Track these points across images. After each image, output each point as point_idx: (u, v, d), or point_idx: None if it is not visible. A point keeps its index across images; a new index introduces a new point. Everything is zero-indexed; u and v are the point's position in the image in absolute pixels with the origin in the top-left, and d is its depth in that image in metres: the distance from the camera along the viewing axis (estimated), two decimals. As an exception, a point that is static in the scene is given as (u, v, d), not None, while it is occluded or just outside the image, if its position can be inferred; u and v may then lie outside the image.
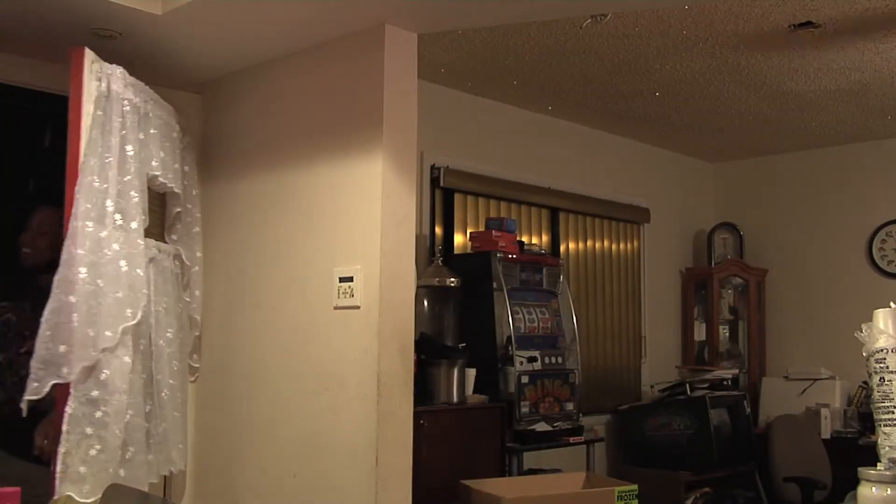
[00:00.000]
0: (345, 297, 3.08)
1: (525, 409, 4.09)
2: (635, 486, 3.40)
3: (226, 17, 3.02)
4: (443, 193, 4.61)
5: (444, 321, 4.18)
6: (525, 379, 4.11)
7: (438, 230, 4.57)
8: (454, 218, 4.64)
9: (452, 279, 4.09)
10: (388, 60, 3.06)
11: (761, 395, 5.77)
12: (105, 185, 2.83)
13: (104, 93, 2.92)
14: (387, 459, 2.94)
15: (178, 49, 3.33)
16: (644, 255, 5.84)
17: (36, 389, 2.58)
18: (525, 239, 4.84)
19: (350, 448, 3.01)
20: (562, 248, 5.25)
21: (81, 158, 2.82)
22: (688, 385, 5.13)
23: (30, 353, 2.59)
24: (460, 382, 3.83)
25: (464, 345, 3.99)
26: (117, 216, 2.85)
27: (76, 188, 2.77)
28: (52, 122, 3.67)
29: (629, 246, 5.78)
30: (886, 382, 2.07)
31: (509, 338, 4.15)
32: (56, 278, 2.66)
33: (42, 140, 3.71)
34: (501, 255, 4.24)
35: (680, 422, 4.91)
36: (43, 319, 2.62)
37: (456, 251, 4.57)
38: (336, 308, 3.12)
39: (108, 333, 2.76)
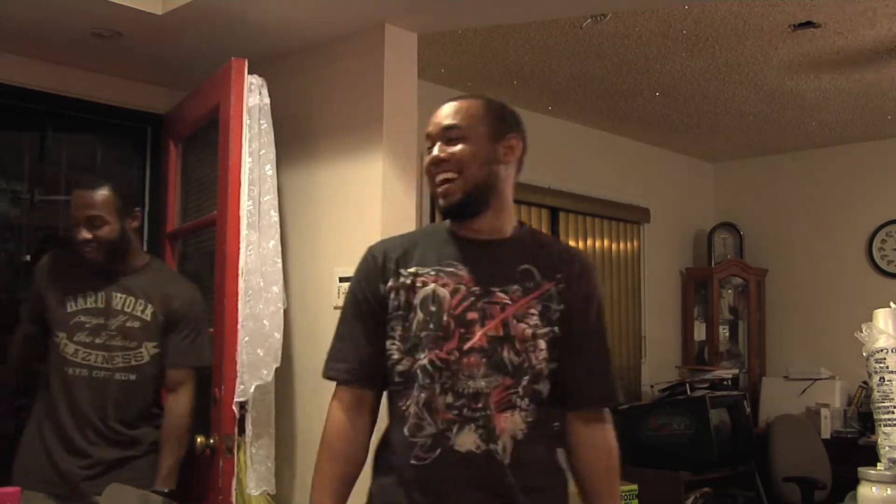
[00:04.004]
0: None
1: (525, 409, 4.07)
2: (635, 486, 3.40)
3: (225, 18, 3.02)
4: (443, 193, 4.60)
5: (445, 321, 4.17)
6: (525, 379, 4.10)
7: (438, 230, 4.56)
8: (454, 218, 4.63)
9: (452, 279, 4.08)
10: (388, 60, 3.07)
11: (761, 395, 5.76)
12: (249, 202, 2.92)
13: (257, 105, 2.97)
14: (387, 459, 2.94)
15: (178, 49, 3.33)
16: (644, 255, 5.84)
17: (243, 392, 2.77)
18: (525, 239, 4.83)
19: (350, 448, 3.00)
20: (562, 248, 5.24)
21: (245, 171, 2.89)
22: (688, 385, 5.12)
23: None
24: (460, 382, 3.82)
25: (464, 345, 3.98)
26: (253, 234, 2.92)
27: (241, 199, 2.86)
28: (53, 122, 3.69)
29: (629, 246, 5.78)
30: (886, 382, 2.07)
31: (509, 338, 4.13)
32: (241, 287, 2.81)
33: (44, 140, 3.71)
34: (501, 255, 4.22)
35: (680, 422, 4.90)
36: (240, 326, 2.77)
37: (456, 251, 4.57)
38: (336, 308, 3.12)
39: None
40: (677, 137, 5.71)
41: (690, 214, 6.24)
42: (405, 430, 1.66)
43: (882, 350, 2.09)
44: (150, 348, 2.67)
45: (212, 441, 2.75)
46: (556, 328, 1.68)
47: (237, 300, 2.80)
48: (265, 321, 2.90)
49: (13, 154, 3.70)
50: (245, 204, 2.87)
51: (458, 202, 1.70)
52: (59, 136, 3.76)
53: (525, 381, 1.65)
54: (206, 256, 3.21)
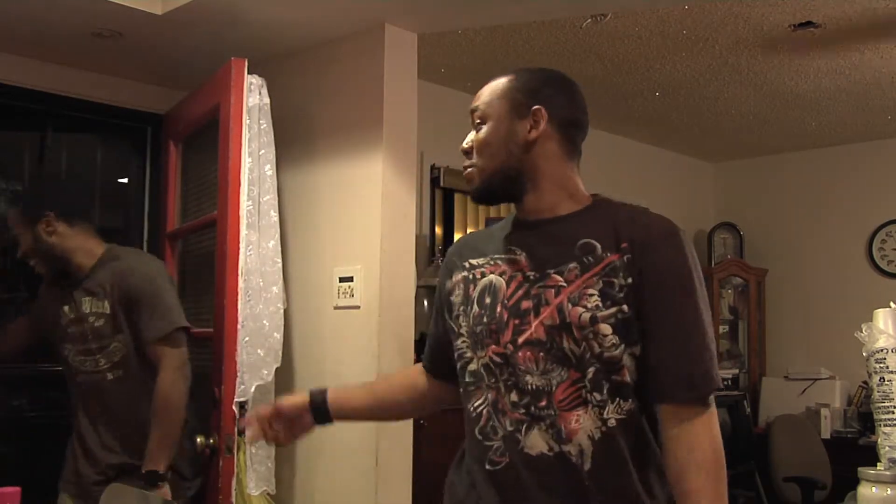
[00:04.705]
0: (345, 297, 3.08)
1: (525, 409, 4.07)
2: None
3: (225, 18, 3.02)
4: (443, 193, 4.60)
5: (445, 321, 4.17)
6: (525, 379, 4.10)
7: (438, 230, 4.56)
8: (454, 218, 4.64)
9: (452, 279, 4.08)
10: (388, 60, 3.07)
11: (761, 395, 5.76)
12: (249, 202, 2.91)
13: (257, 105, 2.97)
14: (387, 459, 2.94)
15: (178, 49, 3.33)
16: (644, 255, 5.83)
17: (243, 392, 2.79)
18: (525, 239, 4.83)
19: (350, 448, 3.01)
20: (562, 248, 5.23)
21: (245, 171, 2.88)
22: (688, 385, 5.12)
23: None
24: (460, 382, 3.82)
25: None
26: (252, 234, 2.92)
27: (241, 199, 2.86)
28: (53, 122, 3.69)
29: (629, 246, 5.77)
30: (886, 382, 2.07)
31: (509, 338, 4.13)
32: (241, 287, 2.81)
33: (44, 140, 3.71)
34: (501, 255, 4.22)
35: (680, 422, 4.90)
36: (240, 326, 2.77)
37: (456, 251, 4.57)
38: (336, 308, 3.12)
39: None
40: (677, 137, 5.71)
41: (690, 214, 6.23)
42: (477, 433, 1.54)
43: (882, 350, 2.09)
44: (120, 339, 2.61)
45: (212, 441, 2.75)
46: (623, 306, 1.43)
47: (237, 300, 2.80)
48: (265, 321, 2.90)
49: (13, 154, 3.70)
50: (245, 204, 2.87)
51: (476, 189, 1.59)
52: (59, 136, 3.76)
53: (591, 372, 1.43)
54: (206, 256, 3.21)
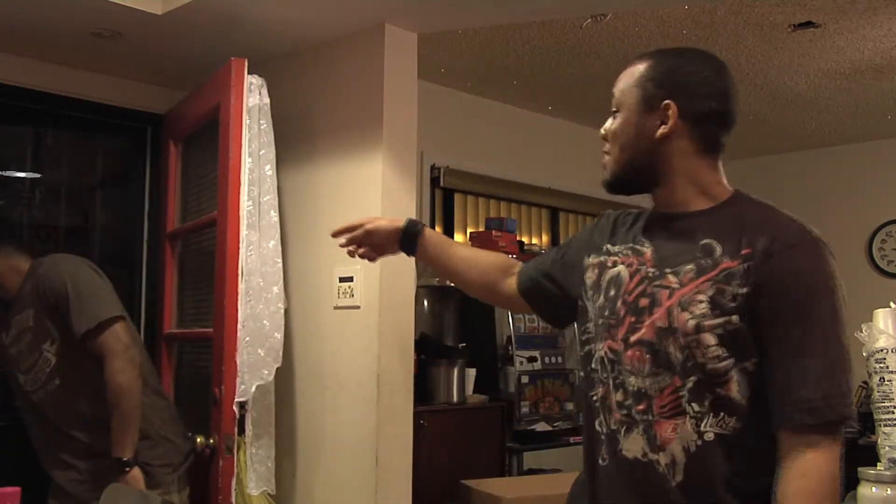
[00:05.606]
0: (345, 297, 3.08)
1: (525, 409, 4.09)
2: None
3: (225, 18, 3.02)
4: (443, 193, 4.61)
5: (444, 321, 4.18)
6: (525, 379, 4.11)
7: (438, 230, 4.57)
8: (454, 218, 4.64)
9: (452, 279, 4.08)
10: (388, 60, 3.07)
11: (761, 395, 5.76)
12: (249, 202, 2.91)
13: (257, 105, 2.97)
14: (387, 459, 2.94)
15: (178, 49, 3.33)
16: (644, 255, 5.83)
17: (243, 392, 2.80)
18: (525, 239, 4.84)
19: (350, 448, 3.01)
20: (562, 248, 5.24)
21: (245, 171, 2.88)
22: (688, 385, 5.12)
23: None
24: (460, 382, 3.83)
25: (464, 345, 3.99)
26: (253, 234, 2.92)
27: (241, 199, 2.85)
28: (53, 122, 3.69)
29: (629, 246, 5.77)
30: (886, 382, 2.07)
31: (509, 338, 4.15)
32: (242, 287, 2.81)
33: (44, 140, 3.71)
34: (501, 255, 4.24)
35: (680, 422, 4.90)
36: (241, 326, 2.78)
37: (456, 251, 4.57)
38: (336, 308, 3.12)
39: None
40: (677, 137, 5.71)
41: (690, 214, 6.23)
42: (596, 424, 1.48)
43: (882, 350, 2.09)
44: (49, 348, 2.58)
45: (212, 441, 2.75)
46: (732, 317, 1.33)
47: (237, 300, 2.80)
48: (265, 321, 2.90)
49: (13, 153, 3.70)
50: (245, 204, 2.87)
51: (606, 179, 1.56)
52: (59, 136, 3.76)
53: (692, 381, 1.35)
54: (206, 256, 3.21)
